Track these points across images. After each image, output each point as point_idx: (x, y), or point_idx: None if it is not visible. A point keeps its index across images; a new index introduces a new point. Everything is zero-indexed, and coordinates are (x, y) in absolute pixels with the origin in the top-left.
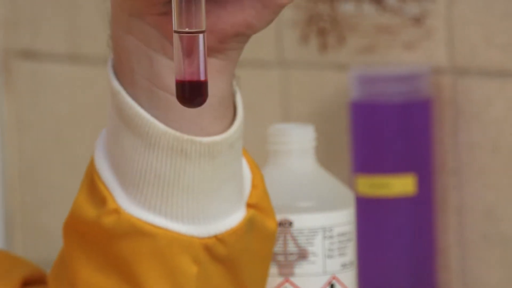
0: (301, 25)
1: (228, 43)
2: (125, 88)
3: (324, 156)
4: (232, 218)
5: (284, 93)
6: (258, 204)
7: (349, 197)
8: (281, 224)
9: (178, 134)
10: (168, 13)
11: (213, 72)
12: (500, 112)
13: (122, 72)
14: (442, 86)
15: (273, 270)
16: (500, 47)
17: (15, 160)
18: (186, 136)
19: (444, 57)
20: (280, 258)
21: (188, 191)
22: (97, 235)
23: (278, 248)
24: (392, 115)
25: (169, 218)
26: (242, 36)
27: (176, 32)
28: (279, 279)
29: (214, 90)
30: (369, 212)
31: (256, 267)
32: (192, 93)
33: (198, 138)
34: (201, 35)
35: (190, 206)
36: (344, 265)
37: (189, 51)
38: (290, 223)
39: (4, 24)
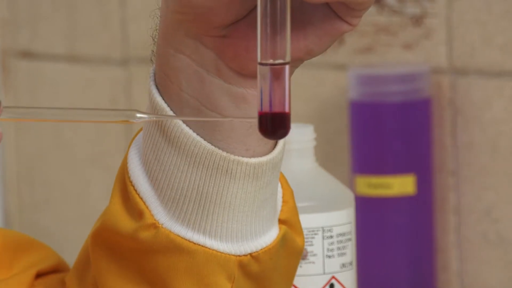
0: None
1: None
2: (170, 105)
3: (324, 156)
4: (267, 236)
5: None
6: (289, 220)
7: (348, 197)
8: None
9: (224, 154)
10: (228, 36)
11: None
12: (499, 113)
13: (167, 89)
14: (441, 86)
15: None
16: (499, 48)
17: (13, 160)
18: (233, 157)
19: (443, 57)
20: None
21: (229, 210)
22: (133, 248)
23: None
24: (391, 115)
25: (207, 236)
26: (300, 61)
27: (261, 64)
28: None
29: None
30: (368, 212)
31: (283, 282)
32: (275, 125)
33: (245, 159)
34: (286, 66)
35: (230, 225)
36: (343, 265)
37: (273, 83)
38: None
39: (2, 24)
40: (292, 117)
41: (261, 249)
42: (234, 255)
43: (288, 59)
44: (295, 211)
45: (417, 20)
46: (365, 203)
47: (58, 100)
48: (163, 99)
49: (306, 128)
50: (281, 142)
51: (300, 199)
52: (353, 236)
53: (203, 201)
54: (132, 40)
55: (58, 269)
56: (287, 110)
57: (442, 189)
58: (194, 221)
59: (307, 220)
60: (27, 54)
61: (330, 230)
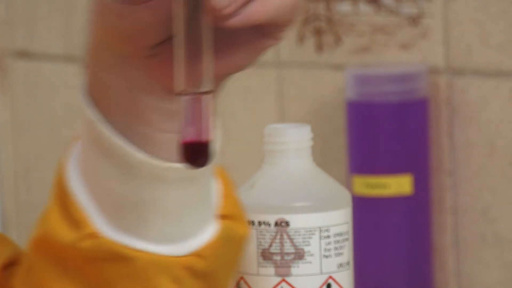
0: (297, 25)
1: (216, 85)
2: (105, 115)
3: (321, 156)
4: (207, 232)
5: (280, 93)
6: (231, 214)
7: (345, 197)
8: (277, 224)
9: (158, 162)
10: (155, 55)
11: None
12: (496, 113)
13: (98, 102)
14: (438, 86)
15: (270, 270)
16: (496, 47)
17: (10, 160)
18: (167, 164)
19: (440, 57)
20: (277, 258)
21: (167, 215)
22: (74, 256)
23: (274, 248)
24: (388, 115)
25: (147, 241)
26: (230, 76)
27: (179, 94)
28: (276, 280)
29: None
30: (365, 212)
31: (229, 273)
32: (194, 155)
33: (178, 165)
34: (205, 95)
35: (169, 228)
36: (340, 265)
37: (192, 112)
38: (287, 223)
39: None
40: (289, 116)
41: (202, 246)
42: (176, 257)
43: (209, 87)
44: (237, 204)
45: (414, 20)
46: (362, 203)
47: (55, 100)
48: (96, 110)
49: (303, 128)
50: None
51: (297, 199)
52: (350, 236)
53: (140, 208)
54: None
55: (14, 260)
56: (207, 139)
57: (439, 189)
58: (133, 228)
59: (304, 220)
60: (24, 54)
61: (327, 230)
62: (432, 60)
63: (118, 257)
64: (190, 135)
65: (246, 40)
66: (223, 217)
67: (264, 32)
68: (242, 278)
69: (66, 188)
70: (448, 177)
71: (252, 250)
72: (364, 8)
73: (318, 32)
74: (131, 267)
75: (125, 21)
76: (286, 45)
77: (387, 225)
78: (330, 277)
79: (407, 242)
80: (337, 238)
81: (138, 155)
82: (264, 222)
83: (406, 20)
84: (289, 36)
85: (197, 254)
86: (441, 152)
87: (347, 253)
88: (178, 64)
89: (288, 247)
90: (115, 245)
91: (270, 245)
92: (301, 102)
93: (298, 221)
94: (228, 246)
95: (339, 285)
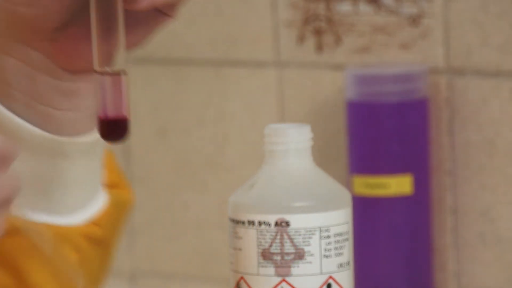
0: (297, 25)
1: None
2: (1, 101)
3: (321, 156)
4: (99, 202)
5: (281, 92)
6: (116, 183)
7: (346, 197)
8: (277, 224)
9: (59, 138)
10: (56, 39)
11: (92, 89)
12: (496, 112)
13: None
14: (438, 86)
15: (270, 270)
16: (496, 48)
17: None
18: (66, 139)
19: (440, 57)
20: (277, 258)
21: (67, 187)
22: None
23: (274, 248)
24: (388, 115)
25: (48, 213)
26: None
27: (96, 72)
28: (276, 280)
29: (91, 103)
30: (366, 212)
31: (118, 240)
32: (112, 130)
33: (78, 139)
34: (121, 73)
35: (69, 200)
36: (341, 265)
37: (108, 89)
38: (287, 223)
39: None
40: (290, 117)
41: (98, 215)
42: (75, 226)
43: (123, 65)
44: (119, 173)
45: (414, 20)
46: (362, 203)
47: None
48: None
49: (303, 128)
50: None
51: (297, 199)
52: (350, 236)
53: (42, 183)
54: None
55: None
56: (125, 115)
57: (439, 189)
58: (35, 202)
59: (304, 220)
60: None
61: (327, 230)
62: (432, 60)
63: (21, 231)
64: (110, 112)
65: (145, 19)
66: (110, 186)
67: (161, 11)
68: (242, 278)
69: None
70: (448, 177)
71: (252, 250)
72: (364, 8)
73: (318, 32)
74: (35, 240)
75: (30, 8)
76: (286, 45)
77: (387, 225)
78: (330, 277)
79: (407, 242)
80: (337, 238)
81: (41, 133)
82: (264, 222)
83: (406, 20)
84: (289, 36)
85: (94, 223)
86: (441, 152)
87: (347, 253)
88: (94, 45)
89: (288, 247)
90: (17, 219)
91: (270, 245)
92: (301, 102)
93: (298, 221)
94: (118, 213)
95: (339, 285)
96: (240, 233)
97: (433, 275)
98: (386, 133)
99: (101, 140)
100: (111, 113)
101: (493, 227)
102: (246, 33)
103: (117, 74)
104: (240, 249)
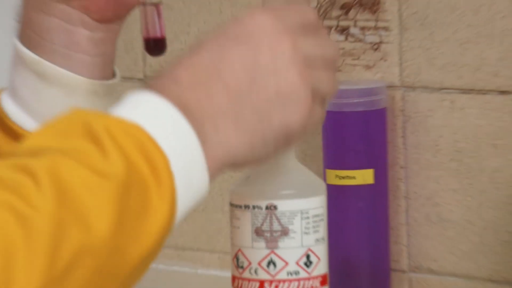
0: None
1: (126, 14)
2: (42, 56)
3: (302, 153)
4: None
5: None
6: None
7: (321, 186)
8: (267, 207)
9: (93, 80)
10: None
11: (114, 38)
12: (439, 120)
13: (37, 44)
14: (394, 98)
15: (261, 244)
16: (439, 68)
17: None
18: (97, 81)
19: (395, 76)
20: (267, 234)
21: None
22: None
23: (265, 227)
24: (355, 121)
25: None
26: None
27: (143, 4)
28: (266, 251)
29: (111, 50)
30: (337, 198)
31: None
32: (155, 46)
33: (107, 81)
34: (160, 6)
35: None
36: (317, 240)
37: (151, 17)
38: (275, 207)
39: None
40: None
41: None
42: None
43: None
44: None
45: (375, 46)
46: (334, 191)
47: None
48: (36, 53)
49: None
50: (117, 77)
51: (283, 188)
52: (325, 217)
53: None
54: (149, 63)
55: None
56: (162, 35)
57: (395, 180)
58: None
59: (288, 204)
60: None
61: (307, 213)
62: (389, 78)
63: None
64: (151, 33)
65: None
66: None
67: None
68: (239, 250)
69: (5, 116)
70: (401, 170)
71: (247, 228)
72: (336, 36)
73: None
74: None
75: None
76: None
77: (354, 209)
78: (309, 249)
79: (369, 221)
80: (315, 218)
81: (78, 77)
82: (257, 206)
83: (369, 46)
84: None
85: None
86: (396, 151)
87: (322, 231)
88: None
89: (276, 226)
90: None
91: (262, 224)
92: None
93: (284, 205)
94: None
95: (316, 255)
96: (238, 215)
97: (390, 248)
98: (353, 135)
99: (114, 86)
100: (153, 34)
101: (436, 209)
102: None
103: (155, 4)
104: (238, 228)
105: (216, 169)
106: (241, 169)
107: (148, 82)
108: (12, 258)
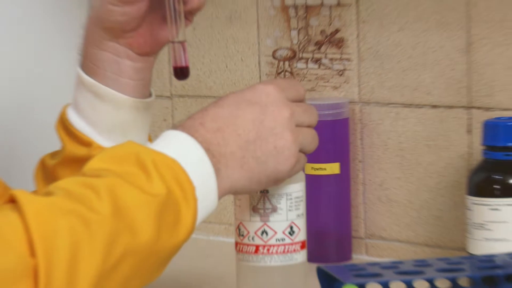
0: (273, 75)
1: (160, 49)
2: (97, 80)
3: None
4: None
5: None
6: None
7: (301, 175)
8: (262, 191)
9: (135, 98)
10: (133, 36)
11: (150, 67)
12: (387, 126)
13: (95, 72)
14: (354, 111)
15: (257, 218)
16: (387, 89)
17: None
18: (138, 99)
19: (355, 94)
20: (261, 211)
21: (135, 132)
22: (86, 159)
23: (260, 205)
24: (325, 128)
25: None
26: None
27: (172, 42)
28: (260, 223)
29: (148, 76)
30: (313, 184)
31: None
32: (181, 73)
33: (145, 99)
34: (185, 43)
35: (136, 138)
36: (298, 215)
37: (179, 51)
38: (267, 191)
39: None
40: None
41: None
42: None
43: (182, 38)
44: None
45: (340, 72)
46: (310, 179)
47: None
48: (93, 78)
49: None
50: (153, 92)
51: None
52: (304, 198)
53: (124, 128)
54: (174, 85)
55: None
56: (187, 64)
57: (355, 171)
58: (120, 141)
59: (277, 189)
60: None
61: (291, 195)
62: (350, 96)
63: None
64: (179, 63)
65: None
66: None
67: (190, 15)
68: (240, 223)
69: (72, 126)
70: (360, 163)
71: (246, 207)
72: (311, 65)
73: None
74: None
75: (123, 17)
76: None
77: (325, 192)
78: (292, 222)
79: (336, 202)
80: (296, 199)
81: (123, 96)
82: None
83: (336, 72)
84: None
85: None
86: (356, 149)
87: (302, 208)
88: (170, 28)
89: (268, 205)
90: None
91: (257, 204)
92: None
93: (273, 190)
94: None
95: (297, 227)
96: (240, 197)
97: (351, 221)
98: (324, 138)
99: (152, 103)
100: (179, 64)
101: (385, 192)
102: (244, 80)
103: (182, 42)
104: (239, 206)
105: (222, 195)
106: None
107: (182, 123)
108: (79, 251)
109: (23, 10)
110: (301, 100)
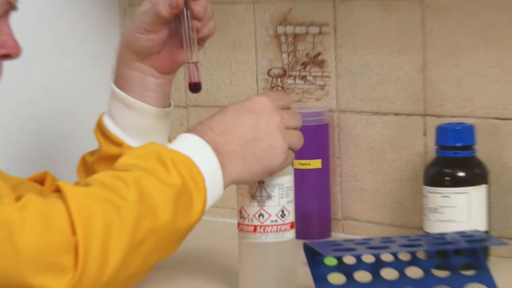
0: (268, 89)
1: (177, 69)
2: (127, 93)
3: None
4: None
5: None
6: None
7: (290, 169)
8: (259, 182)
9: (157, 108)
10: (156, 59)
11: (170, 83)
12: (360, 130)
13: (125, 88)
14: (333, 118)
15: (255, 204)
16: (359, 100)
17: None
18: (160, 109)
19: (334, 105)
20: (258, 198)
21: (158, 135)
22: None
23: (257, 193)
24: (310, 132)
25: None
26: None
27: (188, 63)
28: (258, 208)
29: (168, 90)
30: (300, 177)
31: None
32: (195, 88)
33: (166, 109)
34: (198, 64)
35: (158, 140)
36: (288, 202)
37: (193, 70)
38: (263, 182)
39: None
40: None
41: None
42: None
43: (195, 59)
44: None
45: (322, 87)
46: (298, 172)
47: None
48: (124, 92)
49: None
50: (172, 103)
51: None
52: (293, 188)
53: (149, 132)
54: (188, 97)
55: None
56: (199, 80)
57: (334, 166)
58: (144, 141)
59: (271, 180)
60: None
61: (282, 185)
62: (330, 106)
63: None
64: (193, 79)
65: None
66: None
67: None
68: (242, 207)
69: (107, 130)
70: (337, 160)
71: (247, 194)
72: (299, 81)
73: None
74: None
75: (149, 42)
76: None
77: (309, 183)
78: (283, 207)
79: (318, 191)
80: (287, 188)
81: (148, 106)
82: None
83: (318, 87)
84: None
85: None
86: (334, 148)
87: (291, 196)
88: (186, 51)
89: (264, 193)
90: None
91: (255, 192)
92: None
93: (268, 181)
94: None
95: (287, 211)
96: (241, 186)
97: (330, 206)
98: (309, 139)
99: (170, 112)
100: (193, 80)
101: (358, 183)
102: (245, 94)
103: (195, 63)
104: (241, 194)
105: (227, 185)
106: (241, 184)
107: (194, 127)
108: (111, 231)
109: (75, 43)
110: (288, 108)
